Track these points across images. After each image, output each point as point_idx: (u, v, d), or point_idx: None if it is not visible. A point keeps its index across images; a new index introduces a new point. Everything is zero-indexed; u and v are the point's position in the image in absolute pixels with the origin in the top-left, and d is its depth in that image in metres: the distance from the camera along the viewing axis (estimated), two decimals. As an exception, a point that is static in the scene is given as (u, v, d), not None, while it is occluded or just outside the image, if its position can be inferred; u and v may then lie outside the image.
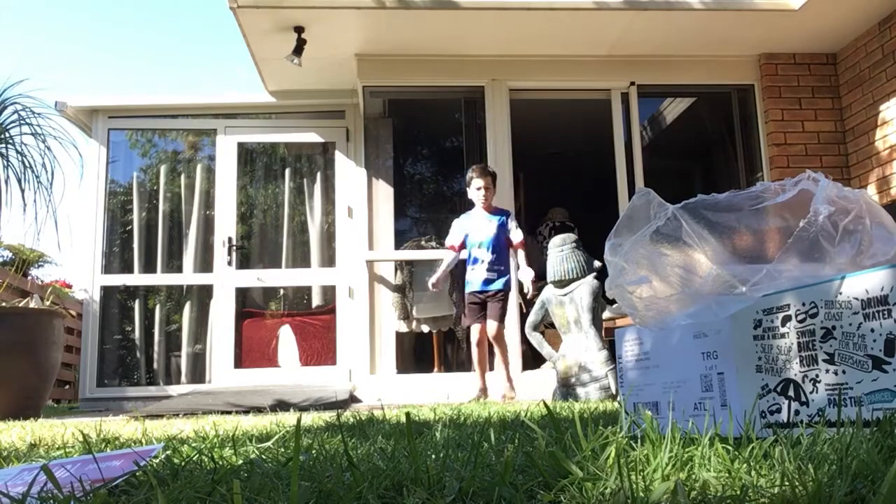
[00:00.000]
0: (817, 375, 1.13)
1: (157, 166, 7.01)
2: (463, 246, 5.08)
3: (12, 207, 4.45)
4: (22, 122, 4.56)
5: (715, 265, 1.24)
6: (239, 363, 6.48)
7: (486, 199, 5.03)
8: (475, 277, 4.91)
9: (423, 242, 6.27)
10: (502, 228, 4.99)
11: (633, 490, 0.75)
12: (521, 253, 4.99)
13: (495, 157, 5.95)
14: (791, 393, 1.17)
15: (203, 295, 6.71)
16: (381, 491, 0.85)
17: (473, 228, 5.03)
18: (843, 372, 1.10)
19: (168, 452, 1.20)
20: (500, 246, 4.96)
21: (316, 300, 6.92)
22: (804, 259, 1.18)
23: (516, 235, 4.99)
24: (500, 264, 4.94)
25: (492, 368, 5.01)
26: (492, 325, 4.78)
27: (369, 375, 5.82)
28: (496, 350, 4.90)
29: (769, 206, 1.28)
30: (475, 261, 4.95)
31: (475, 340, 4.90)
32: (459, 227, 5.15)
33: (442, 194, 7.36)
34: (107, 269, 6.57)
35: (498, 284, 4.85)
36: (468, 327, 5.07)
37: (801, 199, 1.22)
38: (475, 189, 5.05)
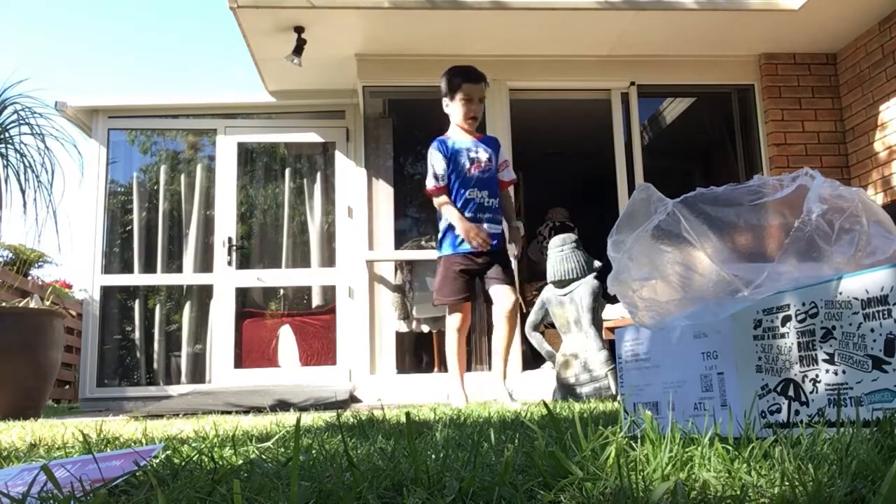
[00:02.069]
0: (817, 375, 1.13)
1: (157, 166, 7.01)
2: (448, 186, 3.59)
3: (12, 208, 4.45)
4: (22, 122, 4.57)
5: (715, 263, 1.24)
6: (239, 363, 6.49)
7: (475, 115, 3.57)
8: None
9: (423, 242, 6.26)
10: (495, 161, 3.68)
11: (633, 490, 0.75)
12: (509, 196, 3.80)
13: (495, 157, 5.95)
14: (791, 393, 1.17)
15: (203, 295, 6.71)
16: (381, 491, 0.85)
17: (460, 158, 3.58)
18: (843, 372, 1.10)
19: (168, 452, 1.20)
20: (497, 185, 3.67)
21: (316, 300, 6.92)
22: (802, 259, 1.18)
23: (510, 172, 3.78)
24: (499, 211, 3.66)
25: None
26: (509, 295, 3.51)
27: (369, 375, 5.82)
28: (504, 334, 3.51)
29: (768, 202, 1.28)
30: (467, 203, 3.56)
31: (456, 326, 3.55)
32: (440, 158, 3.60)
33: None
34: (107, 269, 6.57)
35: (502, 240, 3.60)
36: (447, 305, 3.60)
37: (799, 195, 1.22)
38: (459, 100, 3.57)
